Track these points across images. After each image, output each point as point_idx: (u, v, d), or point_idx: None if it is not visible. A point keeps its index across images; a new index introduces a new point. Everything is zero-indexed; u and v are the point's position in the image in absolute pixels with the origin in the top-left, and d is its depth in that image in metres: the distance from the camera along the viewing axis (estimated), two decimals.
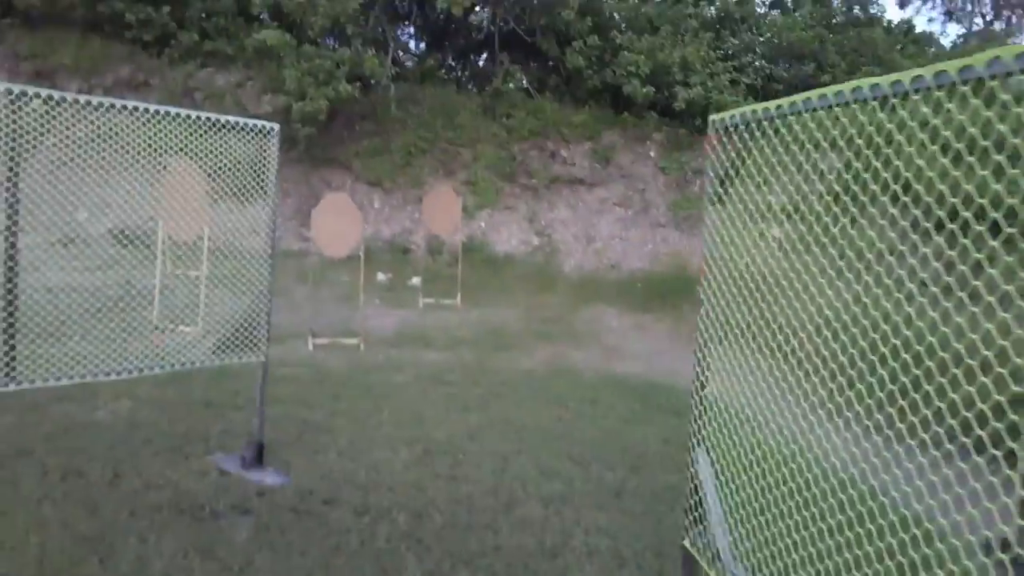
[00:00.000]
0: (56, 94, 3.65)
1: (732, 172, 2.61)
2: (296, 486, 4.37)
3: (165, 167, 5.70)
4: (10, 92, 3.50)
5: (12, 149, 3.40)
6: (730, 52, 16.95)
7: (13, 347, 3.42)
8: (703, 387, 2.69)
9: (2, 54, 14.50)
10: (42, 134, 3.88)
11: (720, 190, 2.65)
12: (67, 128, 4.07)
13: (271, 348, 4.85)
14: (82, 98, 3.86)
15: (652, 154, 15.67)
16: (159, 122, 4.16)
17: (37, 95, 3.55)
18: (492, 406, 6.57)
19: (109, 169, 5.04)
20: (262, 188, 4.71)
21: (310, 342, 8.45)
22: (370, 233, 13.54)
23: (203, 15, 16.07)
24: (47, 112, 3.75)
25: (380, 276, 12.76)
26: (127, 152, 4.42)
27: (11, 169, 3.41)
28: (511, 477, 4.84)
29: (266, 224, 4.82)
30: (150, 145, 4.27)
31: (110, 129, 4.19)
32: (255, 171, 4.68)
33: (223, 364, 4.63)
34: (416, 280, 12.45)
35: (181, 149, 4.40)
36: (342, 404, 6.25)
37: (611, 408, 6.76)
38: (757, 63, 17.27)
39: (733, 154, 2.56)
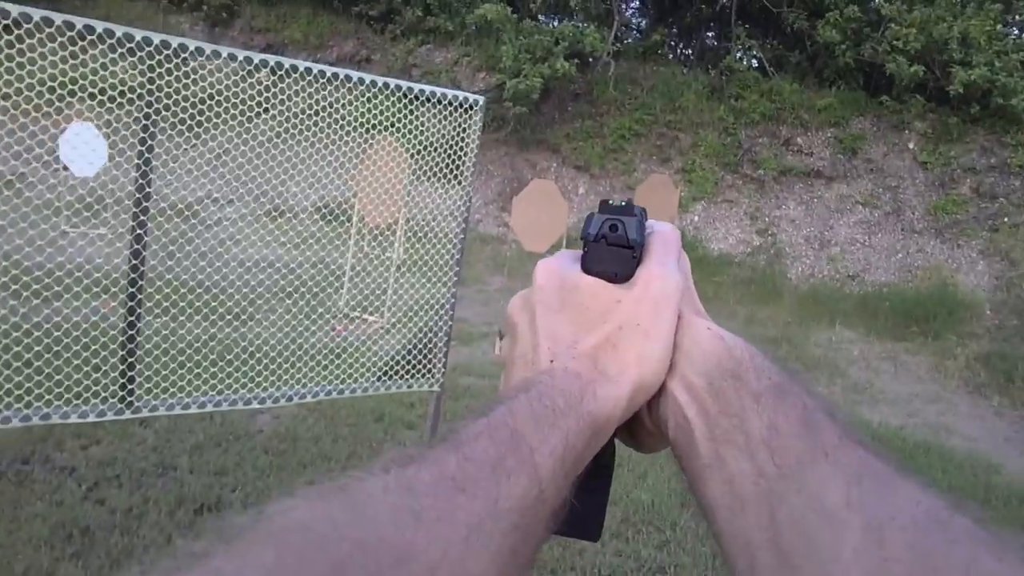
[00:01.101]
0: (287, 62, 3.33)
1: None
2: None
3: (370, 144, 5.37)
4: (250, 61, 3.21)
5: (147, 116, 2.72)
6: (1021, 29, 13.83)
7: (133, 365, 2.78)
8: None
9: (238, 27, 15.25)
10: (266, 108, 3.82)
11: None
12: (288, 100, 3.83)
13: (454, 349, 4.01)
14: (305, 65, 3.42)
15: (911, 145, 13.15)
16: (363, 93, 3.72)
17: (264, 63, 3.29)
18: None
19: (322, 143, 4.77)
20: (459, 167, 3.98)
21: (497, 345, 7.63)
22: (572, 221, 12.60)
23: None
24: (274, 83, 3.56)
25: None
26: (339, 126, 4.20)
27: (143, 141, 2.74)
28: None
29: (459, 211, 4.00)
30: (359, 120, 4.06)
31: (326, 103, 3.93)
32: (457, 149, 4.04)
33: (393, 388, 3.84)
34: None
35: (388, 126, 4.13)
36: None
37: None
38: None
39: None
